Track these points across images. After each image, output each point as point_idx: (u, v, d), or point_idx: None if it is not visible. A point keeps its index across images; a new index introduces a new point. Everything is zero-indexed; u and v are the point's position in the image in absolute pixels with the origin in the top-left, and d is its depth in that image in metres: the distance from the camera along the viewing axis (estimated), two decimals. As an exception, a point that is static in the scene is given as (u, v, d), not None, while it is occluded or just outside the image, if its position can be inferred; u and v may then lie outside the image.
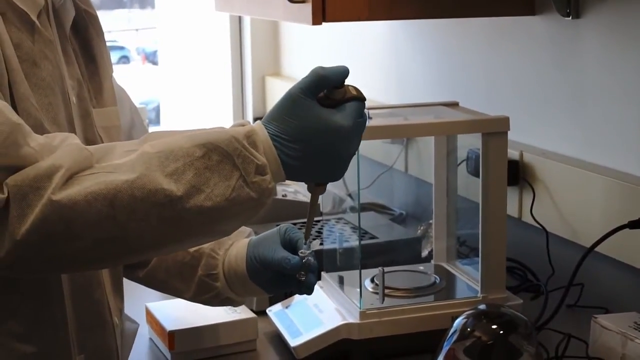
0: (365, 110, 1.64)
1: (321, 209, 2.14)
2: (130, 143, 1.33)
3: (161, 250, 1.39)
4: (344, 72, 1.33)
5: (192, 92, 4.22)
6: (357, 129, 1.34)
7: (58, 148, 1.26)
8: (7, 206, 1.21)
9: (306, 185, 1.40)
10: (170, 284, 1.67)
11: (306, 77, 1.33)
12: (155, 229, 1.25)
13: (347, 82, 1.35)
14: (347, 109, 1.32)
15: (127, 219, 1.23)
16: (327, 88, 1.33)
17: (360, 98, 1.34)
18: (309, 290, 1.54)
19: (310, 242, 1.50)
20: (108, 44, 1.65)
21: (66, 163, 1.23)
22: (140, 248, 1.30)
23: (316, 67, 1.33)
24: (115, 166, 1.26)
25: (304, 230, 1.51)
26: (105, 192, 1.22)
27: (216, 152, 1.27)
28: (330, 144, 1.31)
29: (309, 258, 1.50)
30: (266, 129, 1.31)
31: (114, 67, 1.69)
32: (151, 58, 14.03)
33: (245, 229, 1.69)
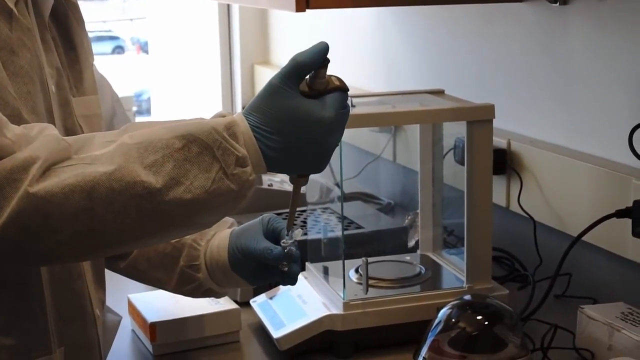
0: (349, 100, 1.62)
1: (307, 199, 2.12)
2: (109, 134, 1.31)
3: (141, 243, 1.38)
4: (321, 51, 1.31)
5: (181, 81, 4.22)
6: (340, 120, 1.32)
7: (35, 139, 1.24)
8: None
9: (292, 183, 1.39)
10: (151, 275, 1.66)
11: (285, 65, 1.31)
12: (134, 222, 1.24)
13: (333, 70, 1.32)
14: (329, 99, 1.31)
15: (105, 212, 1.21)
16: (310, 77, 1.31)
17: (342, 88, 1.32)
18: (292, 281, 1.52)
19: (293, 232, 1.48)
20: (103, 34, 1.63)
21: (43, 154, 1.22)
22: (120, 240, 1.28)
23: (295, 55, 1.31)
24: (93, 157, 1.24)
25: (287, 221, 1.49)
26: (82, 184, 1.21)
27: (196, 144, 1.25)
28: (311, 136, 1.29)
29: (291, 248, 1.48)
30: (247, 120, 1.29)
31: (109, 57, 1.67)
32: (145, 48, 14.03)
33: (227, 219, 1.67)
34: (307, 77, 1.31)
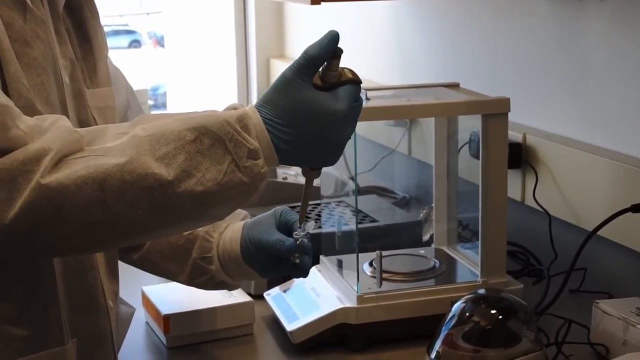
0: (363, 94, 1.62)
1: (321, 192, 2.12)
2: (122, 126, 1.31)
3: (152, 235, 1.37)
4: (332, 41, 1.30)
5: (197, 75, 4.22)
6: (353, 113, 1.31)
7: (48, 130, 1.24)
8: None
9: (305, 176, 1.39)
10: (164, 267, 1.66)
11: (298, 58, 1.30)
12: (146, 214, 1.23)
13: (348, 63, 1.32)
14: (341, 92, 1.30)
15: (117, 203, 1.21)
16: (322, 69, 1.30)
17: (355, 81, 1.32)
18: (303, 273, 1.52)
19: (305, 225, 1.48)
20: (120, 28, 1.63)
21: (55, 146, 1.22)
22: (131, 232, 1.28)
23: (308, 47, 1.30)
24: (105, 149, 1.24)
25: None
26: (95, 175, 1.20)
27: (208, 136, 1.25)
28: (324, 128, 1.29)
29: (303, 240, 1.48)
30: (259, 112, 1.29)
31: (126, 51, 1.67)
32: (162, 42, 14.06)
33: (240, 212, 1.67)
34: (320, 69, 1.31)
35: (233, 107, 1.32)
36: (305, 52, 1.30)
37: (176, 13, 4.42)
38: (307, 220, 1.49)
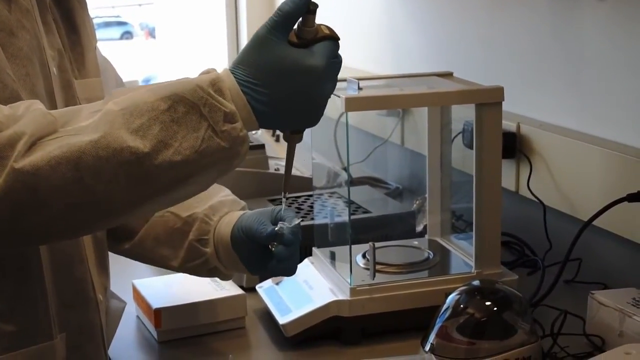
0: (354, 79, 1.59)
1: (314, 184, 2.10)
2: (96, 104, 1.28)
3: (135, 211, 1.32)
4: None
5: (189, 66, 4.21)
6: (331, 69, 1.28)
7: (23, 117, 1.22)
8: None
9: (286, 140, 1.37)
10: (157, 252, 1.64)
11: (272, 15, 1.27)
12: (125, 189, 1.21)
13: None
14: (318, 48, 1.27)
15: (94, 182, 1.19)
16: (298, 26, 1.28)
17: (332, 37, 1.29)
18: (279, 264, 1.49)
19: (286, 196, 1.46)
20: (111, 19, 1.61)
21: (29, 130, 1.19)
22: (113, 210, 1.25)
23: (281, 4, 1.27)
24: (79, 128, 1.21)
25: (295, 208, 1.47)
26: (68, 154, 1.18)
27: (182, 104, 1.22)
28: (301, 86, 1.26)
29: (282, 226, 1.46)
30: (234, 74, 1.26)
31: (118, 43, 1.65)
32: (154, 33, 14.04)
33: (240, 202, 1.66)
34: (295, 26, 1.28)
35: (206, 72, 1.29)
36: (278, 9, 1.27)
37: (167, 4, 4.40)
38: (292, 216, 1.48)
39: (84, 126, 1.21)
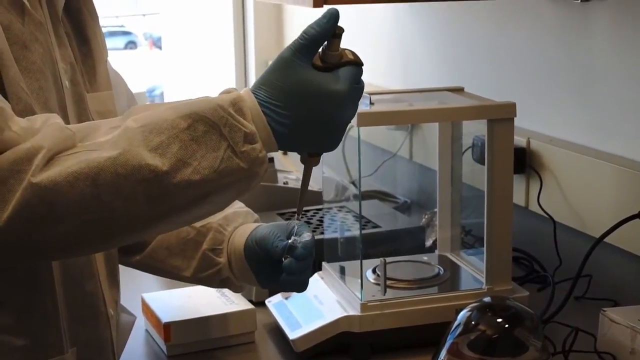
0: (366, 94, 1.59)
1: (323, 197, 2.10)
2: (114, 120, 1.28)
3: (151, 230, 1.33)
4: (331, 19, 1.26)
5: (195, 77, 4.22)
6: (353, 94, 1.28)
7: (40, 130, 1.22)
8: None
9: (303, 163, 1.36)
10: (169, 263, 1.63)
11: (298, 37, 1.27)
12: (143, 207, 1.21)
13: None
14: (342, 73, 1.27)
15: (112, 198, 1.18)
16: (322, 49, 1.27)
17: (357, 62, 1.28)
18: (288, 277, 1.46)
19: (302, 234, 1.45)
20: (115, 29, 1.61)
21: (47, 144, 1.19)
22: (129, 228, 1.24)
23: (307, 27, 1.27)
24: (98, 144, 1.21)
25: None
26: (87, 170, 1.18)
27: (202, 123, 1.22)
28: (323, 110, 1.25)
29: (295, 239, 1.45)
30: (255, 95, 1.25)
31: (122, 53, 1.65)
32: (158, 43, 14.05)
33: (254, 214, 1.66)
34: (320, 50, 1.28)
35: (227, 91, 1.28)
36: (304, 32, 1.26)
37: (174, 14, 4.41)
38: (305, 231, 1.47)
39: (102, 142, 1.21)
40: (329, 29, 1.26)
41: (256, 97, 1.25)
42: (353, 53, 1.28)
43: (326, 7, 1.92)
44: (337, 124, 1.28)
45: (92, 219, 1.19)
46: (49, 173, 1.17)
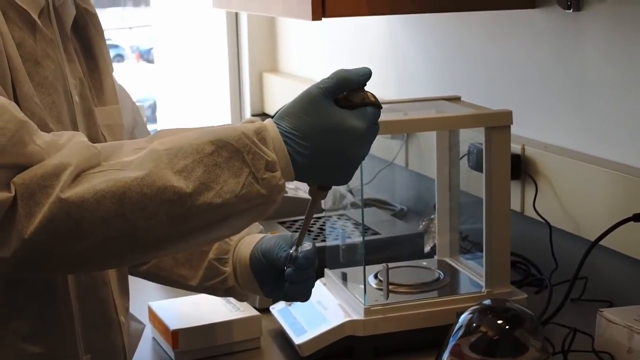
0: None
1: (322, 206, 2.14)
2: (138, 141, 1.32)
3: (169, 248, 1.37)
4: (366, 74, 1.33)
5: (189, 90, 4.22)
6: (371, 133, 1.33)
7: (64, 146, 1.26)
8: (14, 205, 1.20)
9: (308, 189, 1.40)
10: (175, 272, 1.66)
11: (328, 77, 1.32)
12: (165, 227, 1.25)
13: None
14: (362, 112, 1.32)
15: (136, 217, 1.23)
16: (347, 90, 1.33)
17: (377, 105, 1.35)
18: (291, 286, 1.51)
19: (301, 246, 1.49)
20: (102, 42, 1.64)
21: (74, 161, 1.23)
22: (149, 246, 1.28)
23: (339, 70, 1.33)
24: (124, 164, 1.25)
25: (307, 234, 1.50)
26: (114, 189, 1.22)
27: (226, 149, 1.27)
28: (341, 144, 1.30)
29: (296, 249, 1.49)
30: (278, 125, 1.30)
31: (109, 65, 1.68)
32: (145, 56, 14.04)
33: (258, 225, 1.69)
34: None
35: (250, 121, 1.33)
36: (337, 74, 1.32)
37: (167, 27, 4.41)
38: (305, 240, 1.50)
39: (127, 162, 1.25)
40: (361, 82, 1.33)
41: (279, 127, 1.30)
42: (374, 96, 1.34)
43: (325, 20, 1.98)
44: (352, 159, 1.33)
45: (115, 236, 1.23)
46: (76, 190, 1.21)
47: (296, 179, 1.33)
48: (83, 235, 1.22)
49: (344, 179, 1.36)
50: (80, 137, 1.29)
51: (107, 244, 1.24)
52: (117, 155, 1.28)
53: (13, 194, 1.20)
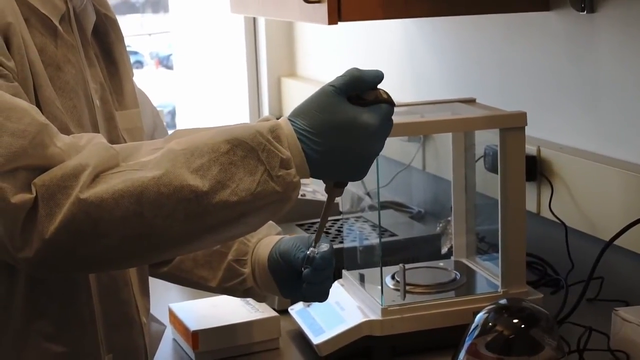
0: None
1: (340, 208, 2.15)
2: (156, 142, 1.35)
3: (188, 247, 1.38)
4: (378, 76, 1.35)
5: (208, 95, 4.23)
6: (384, 129, 1.35)
7: (84, 148, 1.28)
8: (35, 206, 1.23)
9: (324, 186, 1.41)
10: (195, 274, 1.68)
11: (341, 75, 1.34)
12: (182, 225, 1.27)
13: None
14: (375, 109, 1.34)
15: (154, 216, 1.25)
16: (360, 90, 1.34)
17: (390, 102, 1.36)
18: (308, 287, 1.53)
19: (319, 245, 1.51)
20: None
21: (92, 162, 1.25)
22: (168, 244, 1.31)
23: (352, 68, 1.34)
24: (141, 164, 1.27)
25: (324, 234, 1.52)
26: (132, 189, 1.24)
27: (241, 147, 1.28)
28: (355, 140, 1.32)
29: (313, 250, 1.50)
30: (292, 123, 1.32)
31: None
32: (164, 62, 14.06)
33: (276, 227, 1.71)
34: None
35: (265, 119, 1.35)
36: (350, 73, 1.34)
37: (185, 33, 4.43)
38: (322, 241, 1.52)
39: (145, 162, 1.27)
40: (374, 83, 1.35)
41: (293, 125, 1.32)
42: (387, 93, 1.36)
43: (341, 24, 2.00)
44: (366, 155, 1.35)
45: (134, 234, 1.26)
46: (95, 190, 1.23)
47: (312, 176, 1.34)
48: (102, 234, 1.24)
49: (359, 175, 1.37)
50: (100, 139, 1.31)
51: (126, 243, 1.26)
52: (136, 156, 1.30)
53: (34, 195, 1.23)
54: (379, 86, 1.36)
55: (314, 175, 1.34)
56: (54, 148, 1.26)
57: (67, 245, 1.24)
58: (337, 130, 1.31)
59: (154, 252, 1.33)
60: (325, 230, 2.20)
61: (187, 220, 1.26)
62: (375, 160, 1.65)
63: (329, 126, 1.31)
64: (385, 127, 1.35)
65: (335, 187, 1.40)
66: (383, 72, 1.36)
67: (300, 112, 1.33)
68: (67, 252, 1.25)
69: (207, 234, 1.31)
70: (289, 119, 1.33)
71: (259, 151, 1.29)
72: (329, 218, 2.28)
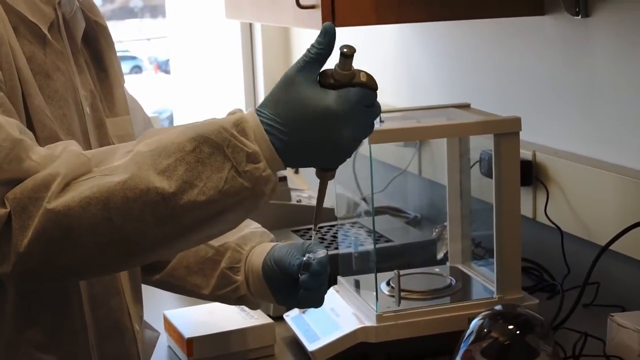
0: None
1: (336, 214, 2.15)
2: (129, 144, 1.32)
3: (167, 249, 1.35)
4: (327, 34, 1.28)
5: (205, 100, 4.23)
6: (355, 115, 1.27)
7: (59, 157, 1.27)
8: (9, 220, 1.22)
9: (318, 177, 1.37)
10: (189, 281, 1.66)
11: (303, 54, 1.28)
12: (153, 228, 1.25)
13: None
14: (344, 92, 1.27)
15: (123, 221, 1.23)
16: (335, 68, 1.28)
17: (368, 86, 1.28)
18: (305, 293, 1.50)
19: (315, 250, 1.49)
20: (120, 54, 1.65)
21: (63, 170, 1.24)
22: (144, 249, 1.29)
23: (311, 45, 1.29)
24: (111, 169, 1.26)
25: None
26: (98, 195, 1.22)
27: (206, 144, 1.25)
28: (321, 127, 1.26)
29: (309, 256, 1.48)
30: (259, 113, 1.27)
31: (127, 77, 1.70)
32: (163, 67, 14.07)
33: (270, 234, 1.69)
34: (334, 67, 1.28)
35: (232, 113, 1.31)
36: (308, 50, 1.28)
37: (182, 38, 4.43)
38: (318, 247, 1.50)
39: (115, 166, 1.26)
40: (328, 44, 1.27)
41: (260, 116, 1.26)
42: (369, 76, 1.29)
43: (337, 30, 1.99)
44: (336, 142, 1.28)
45: (107, 241, 1.24)
46: (64, 199, 1.22)
47: (288, 167, 1.30)
48: (76, 242, 1.23)
49: (338, 161, 1.32)
50: (72, 146, 1.30)
51: (101, 249, 1.25)
52: (110, 160, 1.28)
53: (8, 209, 1.22)
54: (379, 93, 1.30)
55: (291, 165, 1.30)
56: (30, 162, 1.25)
57: (41, 256, 1.23)
58: (301, 119, 1.25)
59: (134, 256, 1.32)
60: (320, 236, 2.21)
61: (158, 223, 1.24)
62: (369, 166, 1.65)
63: (294, 114, 1.25)
64: (359, 113, 1.28)
65: (323, 171, 1.35)
66: (376, 75, 1.32)
67: (268, 101, 1.28)
68: (44, 262, 1.24)
69: (182, 235, 1.28)
70: (256, 110, 1.28)
71: (224, 147, 1.25)
72: (324, 225, 2.28)
